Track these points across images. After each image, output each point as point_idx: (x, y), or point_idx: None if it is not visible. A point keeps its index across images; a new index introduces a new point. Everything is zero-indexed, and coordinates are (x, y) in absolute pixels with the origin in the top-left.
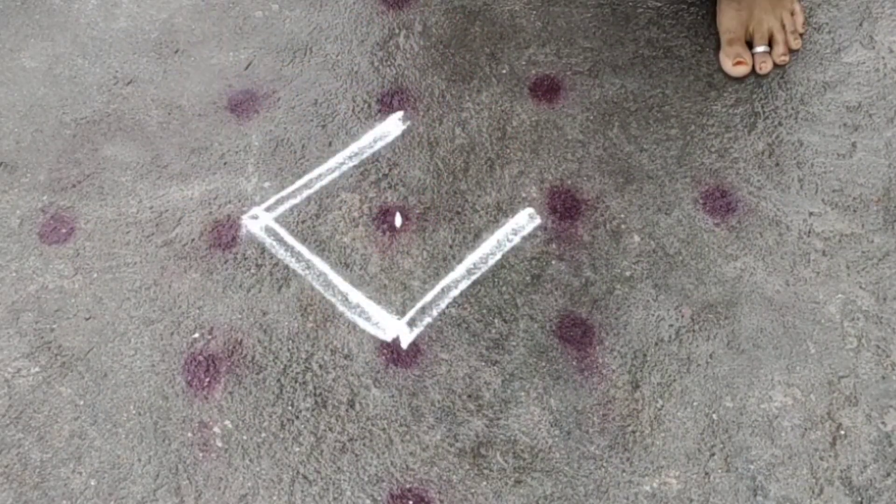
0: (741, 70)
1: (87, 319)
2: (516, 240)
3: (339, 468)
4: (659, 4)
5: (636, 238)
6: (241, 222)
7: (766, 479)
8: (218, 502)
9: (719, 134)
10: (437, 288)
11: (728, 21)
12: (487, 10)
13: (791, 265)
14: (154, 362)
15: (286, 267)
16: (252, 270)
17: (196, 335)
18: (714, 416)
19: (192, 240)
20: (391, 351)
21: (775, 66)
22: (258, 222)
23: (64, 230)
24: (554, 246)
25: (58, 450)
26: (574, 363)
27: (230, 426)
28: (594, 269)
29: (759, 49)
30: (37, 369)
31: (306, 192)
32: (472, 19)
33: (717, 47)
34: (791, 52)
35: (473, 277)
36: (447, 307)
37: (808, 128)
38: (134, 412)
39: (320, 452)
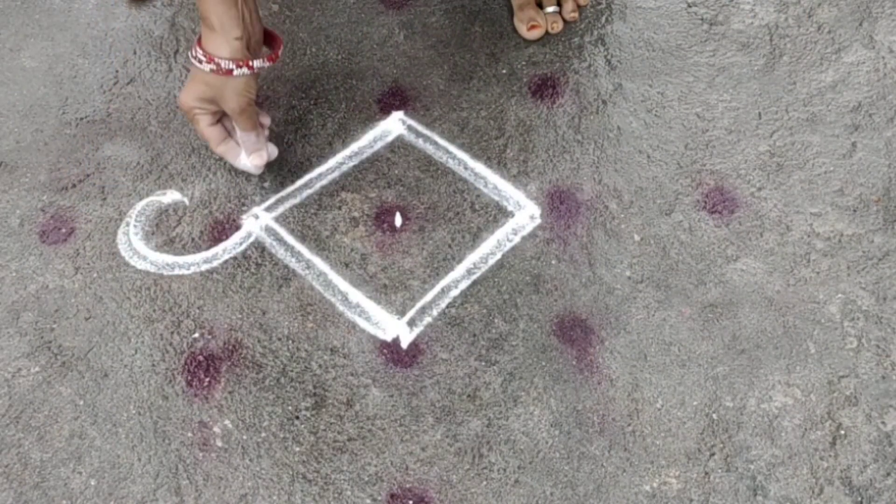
0: (536, 33)
1: (87, 319)
2: (516, 240)
3: (338, 468)
4: None
5: (636, 238)
6: (241, 222)
7: (766, 479)
8: (218, 502)
9: (720, 137)
10: (437, 288)
11: None
12: (487, 10)
13: (792, 265)
14: (154, 362)
15: (286, 267)
16: (252, 270)
17: (196, 335)
18: (714, 416)
19: (193, 239)
20: (391, 351)
21: (566, 23)
22: (258, 222)
23: (64, 230)
24: (554, 246)
25: (58, 450)
26: (574, 363)
27: (230, 426)
28: (594, 269)
29: (550, 9)
30: (37, 369)
31: (306, 192)
32: (472, 19)
33: (510, 14)
34: (580, 8)
35: (473, 277)
36: (447, 307)
37: (809, 128)
38: (134, 412)
39: (320, 452)
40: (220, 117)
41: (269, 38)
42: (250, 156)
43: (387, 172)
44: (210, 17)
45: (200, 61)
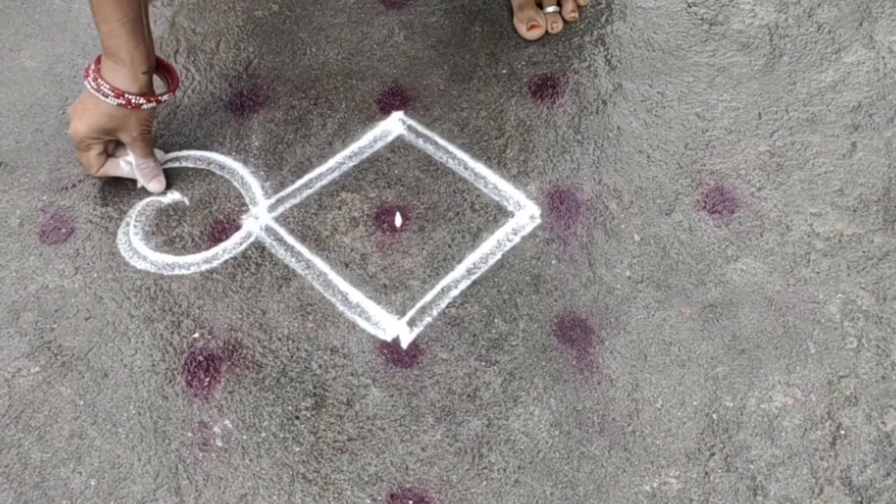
0: (536, 33)
1: (87, 319)
2: (516, 240)
3: (338, 468)
4: None
5: (636, 238)
6: (241, 222)
7: (766, 479)
8: (218, 502)
9: (720, 137)
10: (437, 288)
11: None
12: (487, 10)
13: (792, 265)
14: (154, 362)
15: (286, 266)
16: (252, 270)
17: (196, 335)
18: (714, 416)
19: (193, 239)
20: (391, 351)
21: (565, 23)
22: (258, 222)
23: (64, 230)
24: (554, 246)
25: (58, 450)
26: (574, 363)
27: (230, 426)
28: (594, 269)
29: (550, 9)
30: (37, 369)
31: (306, 192)
32: (472, 19)
33: (510, 14)
34: (579, 8)
35: (473, 277)
36: (447, 307)
37: (809, 128)
38: (134, 412)
39: (320, 452)
40: (107, 145)
41: (161, 67)
42: (150, 182)
43: (387, 172)
44: (120, 52)
45: (106, 95)
